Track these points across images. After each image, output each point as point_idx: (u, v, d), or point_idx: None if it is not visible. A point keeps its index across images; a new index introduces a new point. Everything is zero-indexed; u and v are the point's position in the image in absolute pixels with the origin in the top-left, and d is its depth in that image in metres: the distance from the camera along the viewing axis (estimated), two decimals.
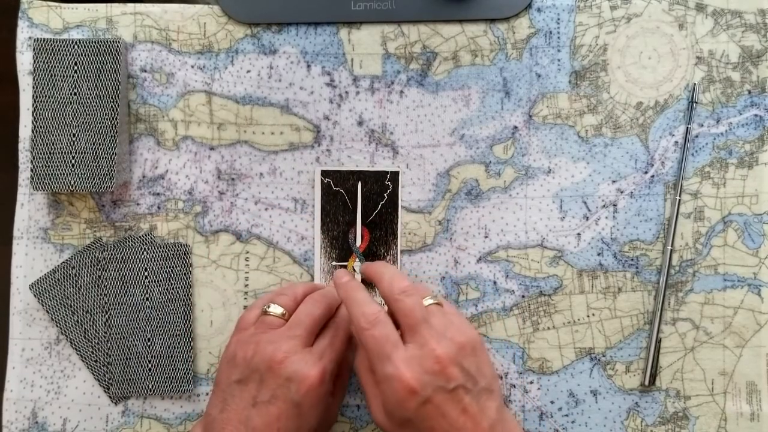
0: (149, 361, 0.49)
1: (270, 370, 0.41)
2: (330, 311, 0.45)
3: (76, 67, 0.48)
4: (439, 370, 0.39)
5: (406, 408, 0.39)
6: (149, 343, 0.50)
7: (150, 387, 0.49)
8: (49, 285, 0.49)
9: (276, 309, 0.44)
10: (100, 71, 0.48)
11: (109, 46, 0.48)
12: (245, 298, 0.50)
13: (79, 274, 0.50)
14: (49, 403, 0.50)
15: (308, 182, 0.51)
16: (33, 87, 0.48)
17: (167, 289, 0.50)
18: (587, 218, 0.50)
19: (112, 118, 0.48)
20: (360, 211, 0.51)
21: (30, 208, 0.50)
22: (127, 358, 0.49)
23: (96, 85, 0.48)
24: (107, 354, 0.49)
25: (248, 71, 0.51)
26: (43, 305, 0.49)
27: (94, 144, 0.48)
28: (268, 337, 0.42)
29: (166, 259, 0.50)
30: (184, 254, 0.50)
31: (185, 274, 0.50)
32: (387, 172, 0.51)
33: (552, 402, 0.50)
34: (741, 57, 0.50)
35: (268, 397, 0.40)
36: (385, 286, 0.43)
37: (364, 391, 0.43)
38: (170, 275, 0.50)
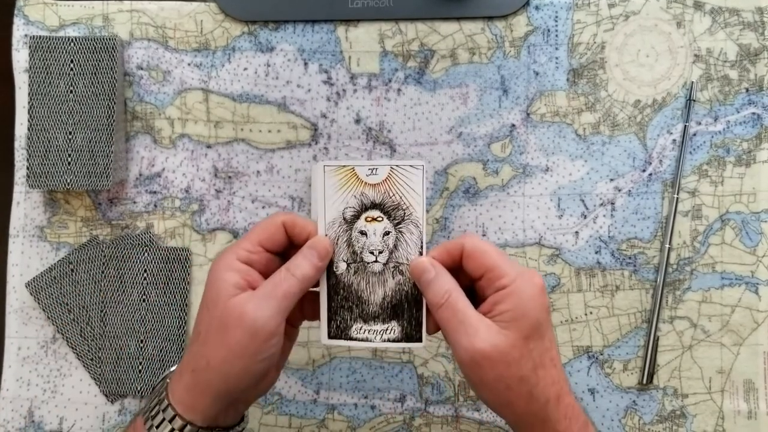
0: (140, 363, 0.49)
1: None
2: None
3: (72, 65, 0.48)
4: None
5: (544, 303, 0.37)
6: (142, 345, 0.49)
7: (139, 389, 0.49)
8: (46, 283, 0.49)
9: None
10: (97, 69, 0.48)
11: (105, 43, 0.48)
12: None
13: (76, 271, 0.50)
14: (46, 401, 0.49)
15: (305, 180, 0.50)
16: (29, 85, 0.48)
17: (165, 292, 0.50)
18: (585, 216, 0.50)
19: (109, 116, 0.48)
20: None
21: (26, 206, 0.50)
22: (118, 358, 0.49)
23: (92, 82, 0.48)
24: (101, 352, 0.49)
25: (245, 69, 0.50)
26: (39, 303, 0.49)
27: (90, 142, 0.48)
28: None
29: (166, 262, 0.50)
30: (184, 259, 0.50)
31: (184, 279, 0.50)
32: None
33: None
34: (739, 55, 0.50)
35: None
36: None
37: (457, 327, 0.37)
38: (169, 278, 0.50)
